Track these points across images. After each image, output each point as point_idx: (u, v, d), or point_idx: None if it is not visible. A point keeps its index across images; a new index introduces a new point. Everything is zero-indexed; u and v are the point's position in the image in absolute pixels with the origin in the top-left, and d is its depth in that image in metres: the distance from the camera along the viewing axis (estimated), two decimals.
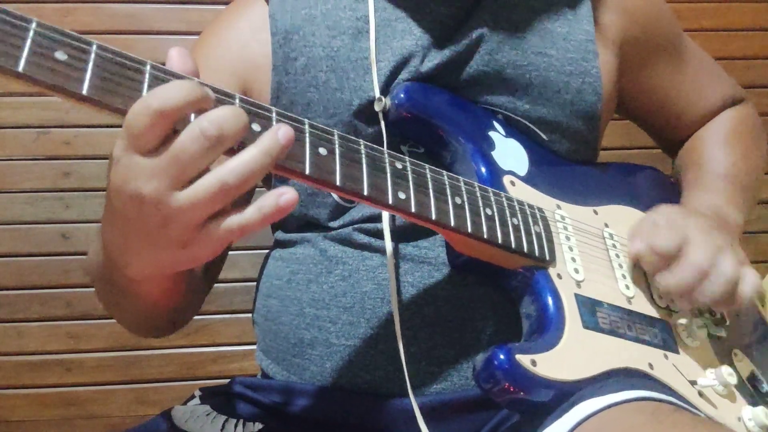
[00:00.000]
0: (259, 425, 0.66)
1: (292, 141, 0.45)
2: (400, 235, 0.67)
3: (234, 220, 0.44)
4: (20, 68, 0.40)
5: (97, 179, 1.56)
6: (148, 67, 0.44)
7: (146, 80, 0.44)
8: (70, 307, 1.53)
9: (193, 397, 0.71)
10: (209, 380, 1.52)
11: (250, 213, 0.44)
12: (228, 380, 0.75)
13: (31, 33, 0.40)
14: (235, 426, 0.66)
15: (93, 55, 0.42)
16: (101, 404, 1.52)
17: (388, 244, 0.65)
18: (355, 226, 0.68)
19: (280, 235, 0.75)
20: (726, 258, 0.64)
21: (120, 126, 0.42)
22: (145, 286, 0.54)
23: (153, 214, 0.43)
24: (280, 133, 0.44)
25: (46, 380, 1.52)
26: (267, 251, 0.78)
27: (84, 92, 0.41)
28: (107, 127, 1.53)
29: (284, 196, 0.44)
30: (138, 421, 0.69)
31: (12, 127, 1.54)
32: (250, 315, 0.78)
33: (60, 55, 0.41)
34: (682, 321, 0.68)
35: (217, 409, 0.68)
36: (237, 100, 0.47)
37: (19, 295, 1.52)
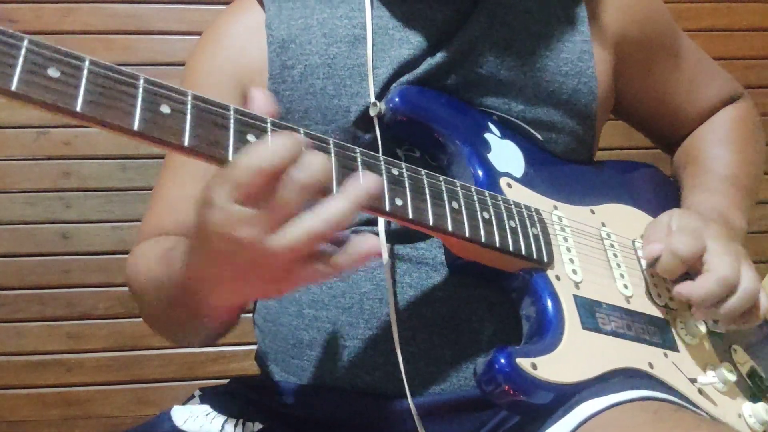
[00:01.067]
0: (259, 425, 0.66)
1: (378, 186, 0.48)
2: (398, 236, 0.67)
3: (326, 268, 0.48)
4: (13, 87, 0.39)
5: (97, 179, 1.56)
6: (141, 82, 0.44)
7: (140, 95, 0.43)
8: (70, 307, 1.53)
9: (192, 397, 0.71)
10: (209, 380, 1.52)
11: (341, 260, 0.48)
12: (228, 380, 0.75)
13: (24, 51, 0.40)
14: (235, 426, 0.66)
15: (85, 71, 0.42)
16: (101, 404, 1.52)
17: (384, 246, 0.65)
18: (354, 228, 0.68)
19: None
20: (748, 272, 0.63)
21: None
22: (220, 310, 0.57)
23: (249, 255, 0.46)
24: (363, 180, 0.47)
25: (46, 380, 1.52)
26: None
27: (77, 109, 0.41)
28: None
29: (369, 242, 0.48)
30: (138, 421, 0.69)
31: (12, 127, 1.54)
32: (250, 315, 0.78)
33: (53, 72, 0.41)
34: (681, 319, 0.68)
35: (216, 409, 0.68)
36: (301, 133, 0.49)
37: (19, 295, 1.52)
